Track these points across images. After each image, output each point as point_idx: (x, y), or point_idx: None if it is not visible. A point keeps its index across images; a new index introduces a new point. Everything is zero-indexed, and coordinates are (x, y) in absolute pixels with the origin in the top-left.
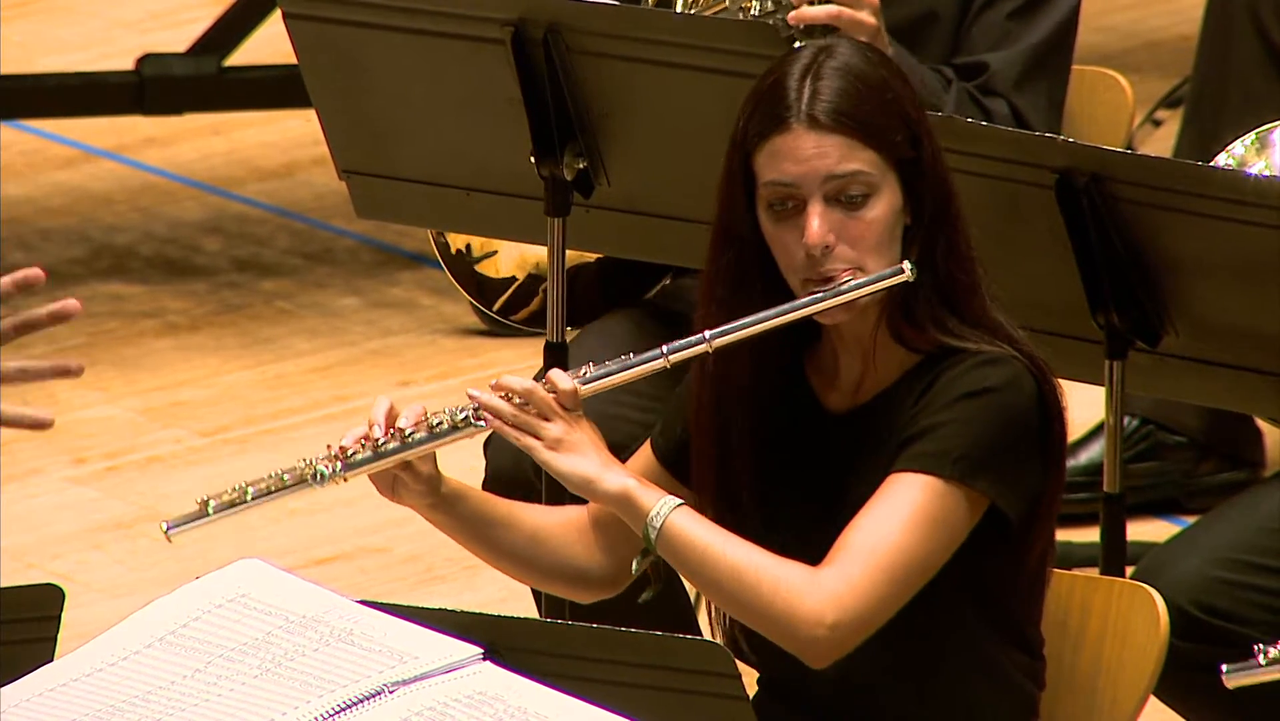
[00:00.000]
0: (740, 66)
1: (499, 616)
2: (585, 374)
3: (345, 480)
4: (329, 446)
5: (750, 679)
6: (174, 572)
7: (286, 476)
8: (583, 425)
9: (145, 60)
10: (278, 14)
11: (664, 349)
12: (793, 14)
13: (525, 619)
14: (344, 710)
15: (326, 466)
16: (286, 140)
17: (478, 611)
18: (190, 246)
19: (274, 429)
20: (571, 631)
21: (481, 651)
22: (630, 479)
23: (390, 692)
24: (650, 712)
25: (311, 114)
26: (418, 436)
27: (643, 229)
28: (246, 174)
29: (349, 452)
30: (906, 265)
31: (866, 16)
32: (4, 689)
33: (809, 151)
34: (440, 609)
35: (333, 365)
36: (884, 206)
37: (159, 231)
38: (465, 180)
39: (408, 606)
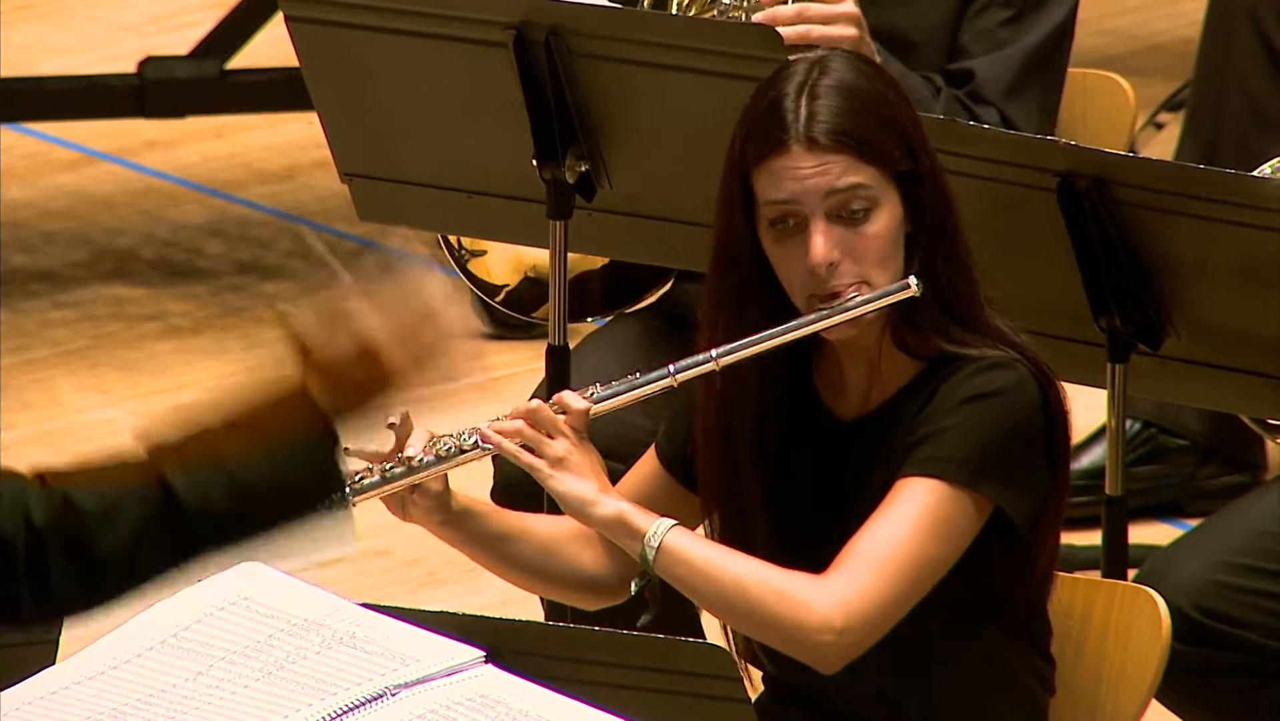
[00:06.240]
0: (742, 69)
1: (501, 619)
2: (593, 394)
3: (354, 504)
4: None
5: (755, 678)
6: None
7: None
8: (586, 448)
9: (147, 63)
10: (279, 17)
11: (671, 368)
12: None
13: (527, 621)
14: (346, 713)
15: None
16: (288, 143)
17: (480, 614)
18: (192, 249)
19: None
20: (573, 634)
21: (483, 654)
22: (624, 503)
23: (392, 695)
24: (652, 715)
25: (313, 117)
26: (425, 460)
27: (645, 232)
28: (248, 177)
29: (357, 477)
30: (912, 280)
31: (843, 30)
32: (5, 692)
33: (809, 170)
34: (442, 611)
35: None
36: (886, 219)
37: (161, 234)
38: (467, 183)
39: (409, 609)
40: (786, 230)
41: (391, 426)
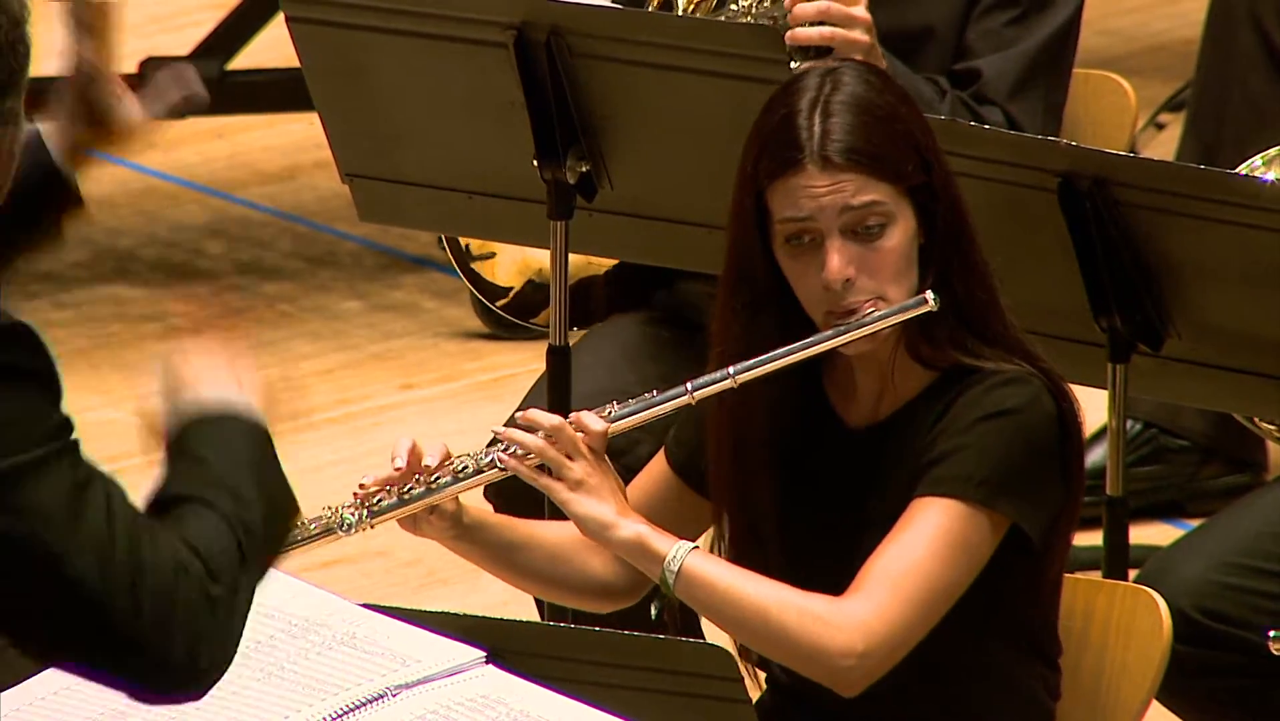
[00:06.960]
0: (743, 70)
1: (501, 619)
2: (611, 412)
3: (372, 526)
4: (355, 494)
5: (756, 679)
6: None
7: (313, 526)
8: (605, 469)
9: (147, 63)
10: (280, 17)
11: (689, 385)
12: (787, 35)
13: (527, 622)
14: (347, 713)
15: (353, 514)
16: (289, 143)
17: (480, 615)
18: (193, 250)
19: (275, 431)
20: (573, 634)
21: (484, 654)
22: (644, 525)
23: (393, 696)
24: (652, 715)
25: (314, 117)
26: (442, 481)
27: (646, 232)
28: (249, 177)
29: (375, 499)
30: (929, 295)
31: (860, 35)
32: (6, 693)
33: (823, 189)
34: (443, 612)
35: (335, 368)
36: (900, 234)
37: (161, 235)
38: (468, 184)
39: (410, 610)
40: (802, 247)
41: (399, 470)
